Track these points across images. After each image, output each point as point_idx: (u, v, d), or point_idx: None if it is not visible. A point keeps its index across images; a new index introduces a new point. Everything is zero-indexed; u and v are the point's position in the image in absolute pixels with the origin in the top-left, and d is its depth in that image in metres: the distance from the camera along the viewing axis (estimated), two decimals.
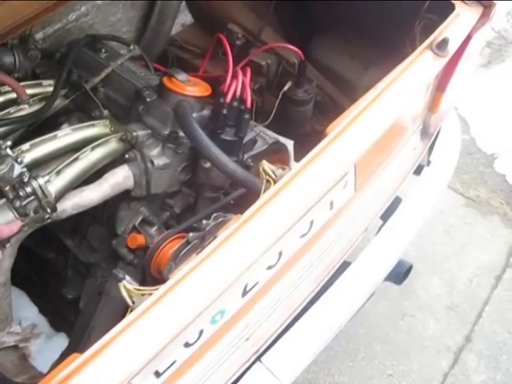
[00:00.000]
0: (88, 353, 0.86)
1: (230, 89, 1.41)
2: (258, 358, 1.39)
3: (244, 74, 1.46)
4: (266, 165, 1.07)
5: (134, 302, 0.92)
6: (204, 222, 1.09)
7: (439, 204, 2.58)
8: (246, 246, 0.95)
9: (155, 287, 0.93)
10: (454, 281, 2.36)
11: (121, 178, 1.43)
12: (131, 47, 1.70)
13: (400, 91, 1.19)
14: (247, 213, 0.97)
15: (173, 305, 0.91)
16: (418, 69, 1.23)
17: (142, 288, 0.93)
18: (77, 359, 0.86)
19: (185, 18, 2.10)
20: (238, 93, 1.41)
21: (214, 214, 1.10)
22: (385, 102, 1.15)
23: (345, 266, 1.55)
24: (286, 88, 1.77)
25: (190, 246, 1.10)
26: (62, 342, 1.71)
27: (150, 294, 0.92)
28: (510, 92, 2.89)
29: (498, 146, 2.74)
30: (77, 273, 1.61)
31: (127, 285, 0.93)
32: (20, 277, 1.51)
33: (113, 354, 0.86)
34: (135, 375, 0.89)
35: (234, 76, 1.47)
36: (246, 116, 1.42)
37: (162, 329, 0.89)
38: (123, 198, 1.46)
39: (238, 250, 0.94)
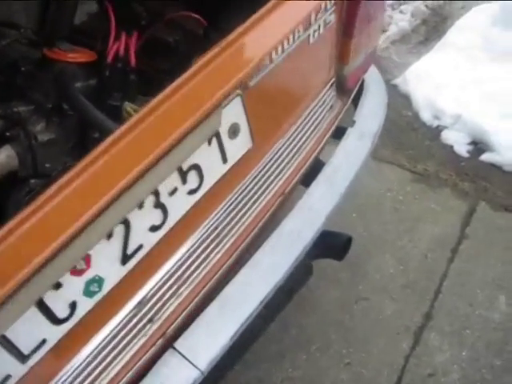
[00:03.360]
0: None
1: (112, 49, 1.29)
2: (171, 344, 1.24)
3: (130, 37, 1.35)
4: (128, 105, 0.95)
5: None
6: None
7: (385, 182, 2.48)
8: (90, 188, 0.81)
9: None
10: (409, 258, 2.23)
11: (3, 158, 1.29)
12: (22, 30, 1.59)
13: (274, 24, 1.08)
14: (93, 153, 0.83)
15: (8, 254, 0.76)
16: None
17: None
18: None
19: (91, 6, 2.00)
20: (122, 53, 1.30)
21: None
22: (258, 34, 1.04)
23: (265, 235, 1.42)
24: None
25: (32, 194, 0.96)
26: None
27: None
28: (449, 66, 2.82)
29: (443, 119, 2.65)
30: None
31: None
32: None
33: None
34: None
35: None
36: (132, 77, 1.30)
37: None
38: (10, 180, 1.32)
39: (79, 193, 0.81)
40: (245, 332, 1.48)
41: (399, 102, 2.77)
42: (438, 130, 2.65)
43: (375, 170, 2.48)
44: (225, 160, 1.15)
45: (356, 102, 1.70)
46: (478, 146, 2.57)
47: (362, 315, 2.08)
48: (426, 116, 2.66)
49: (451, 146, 2.58)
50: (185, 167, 1.00)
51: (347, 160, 1.59)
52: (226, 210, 1.25)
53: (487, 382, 1.93)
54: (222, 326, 1.30)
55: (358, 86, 1.66)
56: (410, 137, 2.62)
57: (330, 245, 1.70)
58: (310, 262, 1.69)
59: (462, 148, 2.54)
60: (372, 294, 2.13)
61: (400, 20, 3.08)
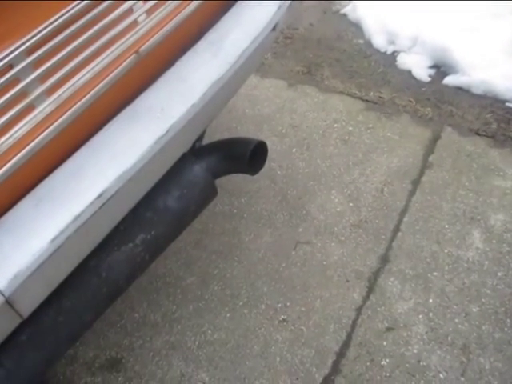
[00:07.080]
0: None
1: None
2: None
3: None
4: None
5: None
6: None
7: (332, 113, 2.09)
8: None
9: None
10: (360, 193, 1.81)
11: None
12: None
13: None
14: None
15: None
16: None
17: None
18: None
19: None
20: None
21: None
22: None
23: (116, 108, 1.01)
24: None
25: None
26: None
27: None
28: None
29: (398, 43, 2.27)
30: None
31: None
32: None
33: None
34: None
35: None
36: None
37: None
38: None
39: None
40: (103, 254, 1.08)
41: (350, 30, 2.39)
42: (394, 55, 2.27)
43: (320, 102, 2.09)
44: None
45: None
46: (441, 69, 2.18)
47: (301, 262, 1.66)
48: (379, 41, 2.28)
49: (409, 71, 2.19)
50: None
51: (240, 25, 1.20)
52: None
53: (462, 333, 1.50)
54: (39, 227, 0.89)
55: None
56: (361, 65, 2.23)
57: (233, 154, 1.31)
58: (211, 178, 1.29)
59: (422, 72, 2.15)
60: (314, 237, 1.71)
61: None
